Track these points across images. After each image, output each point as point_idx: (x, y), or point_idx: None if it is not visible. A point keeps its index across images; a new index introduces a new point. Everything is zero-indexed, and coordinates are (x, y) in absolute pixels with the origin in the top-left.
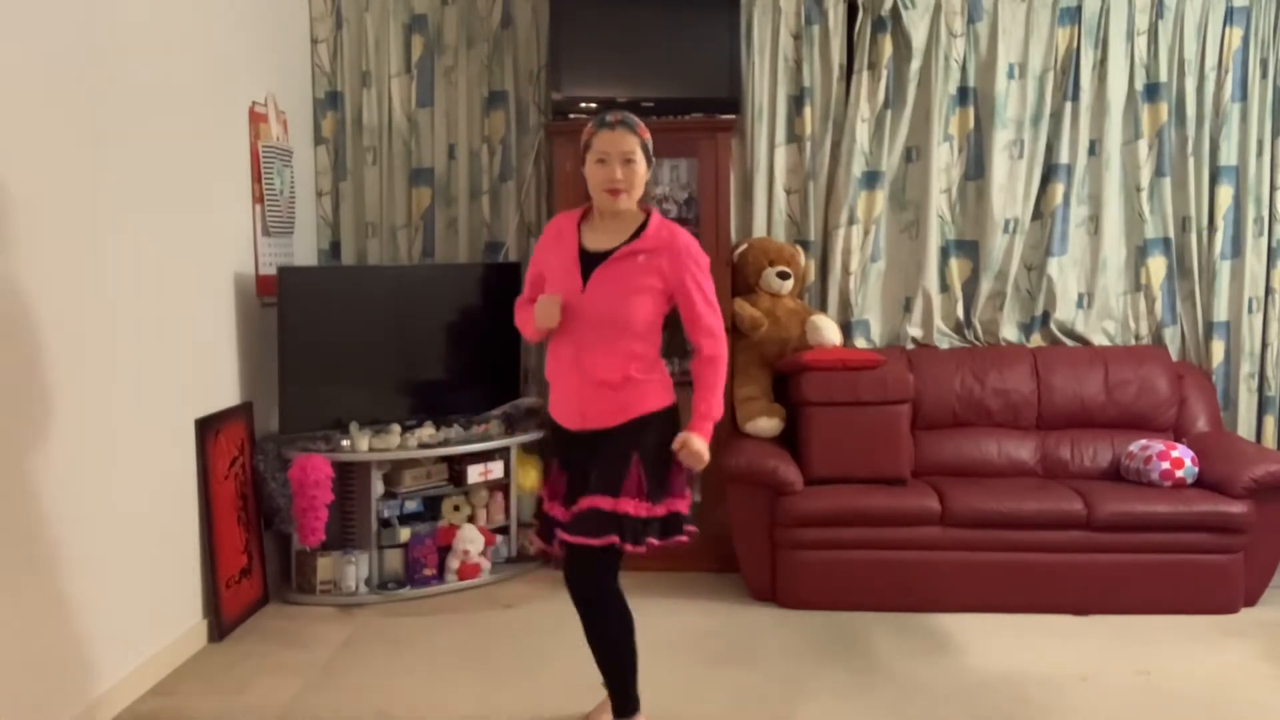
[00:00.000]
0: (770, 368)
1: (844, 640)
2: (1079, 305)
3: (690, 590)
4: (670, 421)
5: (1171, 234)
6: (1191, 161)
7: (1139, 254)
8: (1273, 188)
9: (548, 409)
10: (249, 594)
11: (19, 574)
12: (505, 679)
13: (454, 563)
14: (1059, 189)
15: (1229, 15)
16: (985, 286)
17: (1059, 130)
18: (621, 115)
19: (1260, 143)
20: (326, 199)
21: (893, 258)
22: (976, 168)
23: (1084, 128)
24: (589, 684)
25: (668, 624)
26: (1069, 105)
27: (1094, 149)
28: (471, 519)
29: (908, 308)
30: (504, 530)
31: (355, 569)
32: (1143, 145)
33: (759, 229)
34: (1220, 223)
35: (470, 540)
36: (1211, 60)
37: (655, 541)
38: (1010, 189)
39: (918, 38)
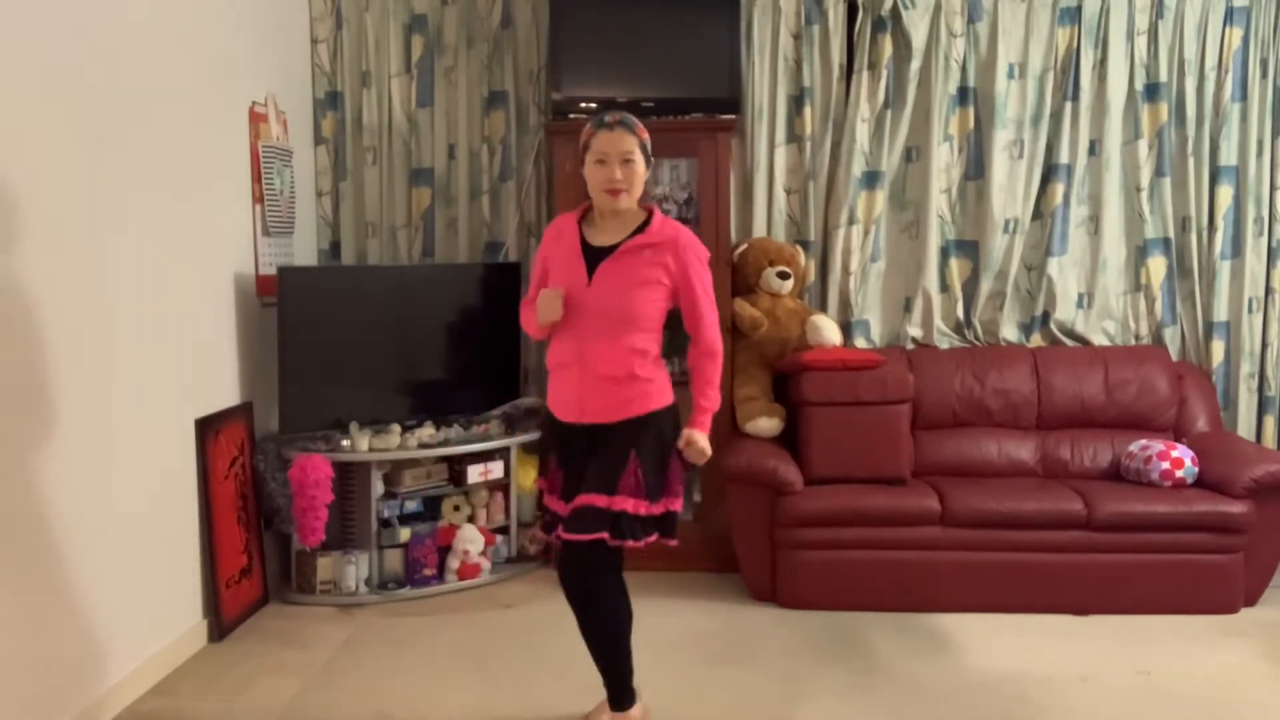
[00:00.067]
0: (770, 368)
1: (844, 640)
2: (1079, 305)
3: (690, 590)
4: (670, 421)
5: (1171, 234)
6: (1191, 161)
7: (1139, 254)
8: (1273, 188)
9: (545, 402)
10: (249, 594)
11: (19, 574)
12: (505, 679)
13: (454, 563)
14: (1059, 189)
15: (1229, 15)
16: (985, 286)
17: (1059, 130)
18: (620, 116)
19: (1260, 143)
20: (326, 199)
21: (893, 258)
22: (976, 168)
23: (1084, 128)
24: (589, 684)
25: (668, 624)
26: (1069, 105)
27: (1094, 149)
28: (471, 519)
29: (908, 308)
30: (504, 530)
31: (355, 569)
32: (1143, 145)
33: (759, 229)
34: (1220, 223)
35: (470, 540)
36: (1211, 60)
37: (653, 539)
38: (1010, 189)
39: (918, 38)
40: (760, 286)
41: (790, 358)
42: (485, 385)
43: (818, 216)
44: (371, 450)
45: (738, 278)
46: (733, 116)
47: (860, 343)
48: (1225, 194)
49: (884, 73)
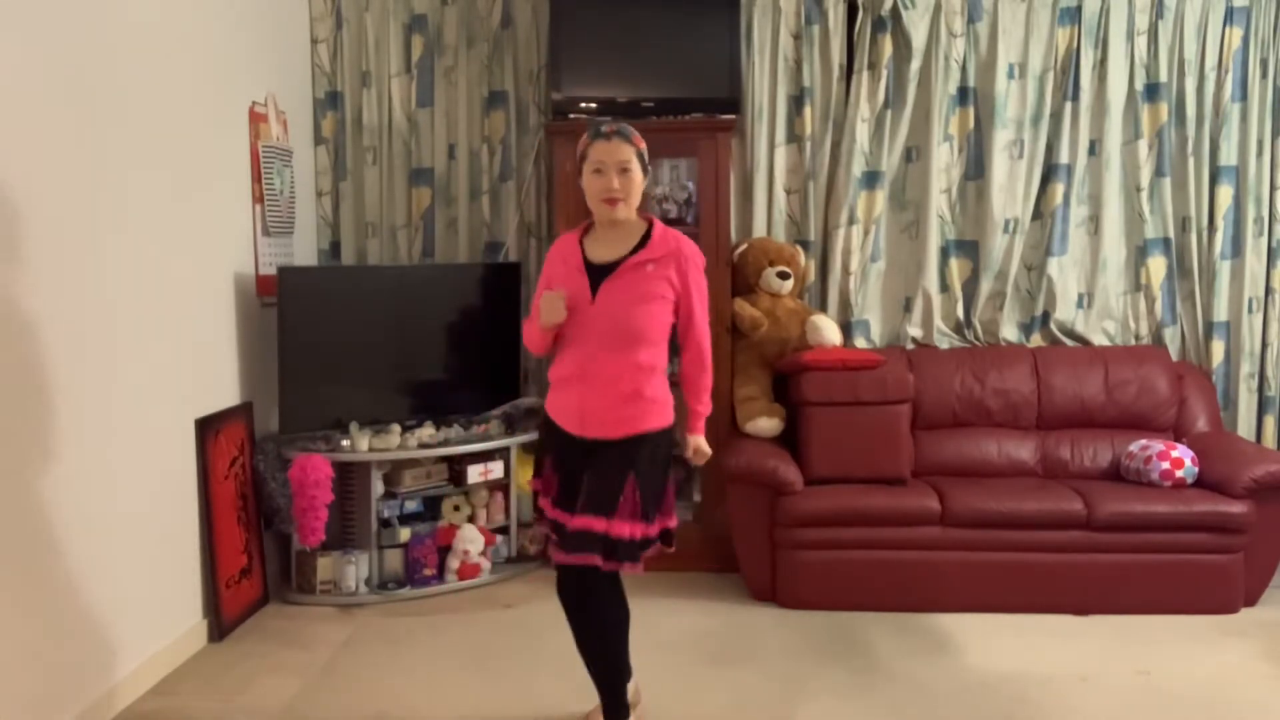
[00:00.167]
0: (770, 368)
1: (844, 640)
2: (1079, 305)
3: (690, 590)
4: (667, 440)
5: (1171, 234)
6: (1191, 161)
7: (1139, 254)
8: (1273, 188)
9: (545, 406)
10: (249, 594)
11: (19, 574)
12: (505, 679)
13: (454, 563)
14: (1059, 189)
15: (1229, 15)
16: (985, 286)
17: (1059, 130)
18: (616, 125)
19: (1260, 143)
20: (326, 199)
21: (893, 258)
22: (976, 168)
23: (1084, 128)
24: (588, 684)
25: (668, 624)
26: (1069, 105)
27: (1094, 149)
28: (471, 519)
29: (908, 308)
30: (504, 530)
31: (355, 569)
32: (1143, 145)
33: (759, 229)
34: (1220, 223)
35: (470, 540)
36: (1211, 60)
37: (651, 553)
38: (1010, 189)
39: (918, 38)
40: (760, 286)
41: (790, 358)
42: (485, 385)
43: (818, 216)
44: (371, 450)
45: (738, 278)
46: (733, 116)
47: (860, 343)
48: (1225, 194)
49: (884, 73)
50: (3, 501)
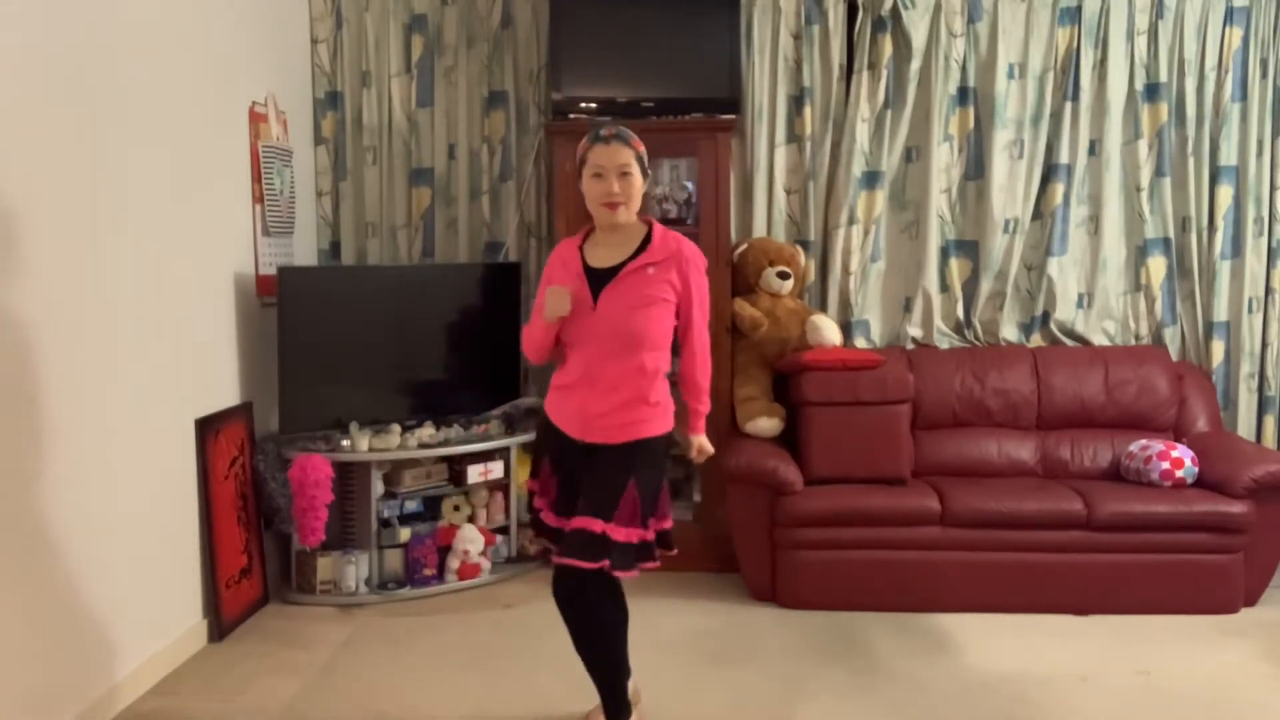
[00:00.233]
0: (770, 368)
1: (844, 640)
2: (1079, 305)
3: (690, 590)
4: (665, 445)
5: (1171, 234)
6: (1191, 161)
7: (1139, 254)
8: (1273, 188)
9: (545, 407)
10: (249, 594)
11: (19, 574)
12: (505, 679)
13: (454, 563)
14: (1059, 189)
15: (1229, 15)
16: (985, 286)
17: (1059, 130)
18: (616, 129)
19: (1260, 143)
20: (326, 199)
21: (893, 258)
22: (976, 168)
23: (1084, 128)
24: (588, 684)
25: (668, 624)
26: (1069, 105)
27: (1094, 149)
28: (471, 519)
29: (908, 308)
30: (504, 530)
31: (355, 569)
32: (1143, 145)
33: (759, 229)
34: (1220, 223)
35: (470, 540)
36: (1211, 60)
37: (646, 566)
38: (1010, 189)
39: (918, 38)
40: (760, 286)
41: (790, 358)
42: (485, 385)
43: (818, 216)
44: (371, 450)
45: (738, 278)
46: (733, 116)
47: (860, 343)
48: (1225, 194)
49: (884, 73)
50: (3, 501)
